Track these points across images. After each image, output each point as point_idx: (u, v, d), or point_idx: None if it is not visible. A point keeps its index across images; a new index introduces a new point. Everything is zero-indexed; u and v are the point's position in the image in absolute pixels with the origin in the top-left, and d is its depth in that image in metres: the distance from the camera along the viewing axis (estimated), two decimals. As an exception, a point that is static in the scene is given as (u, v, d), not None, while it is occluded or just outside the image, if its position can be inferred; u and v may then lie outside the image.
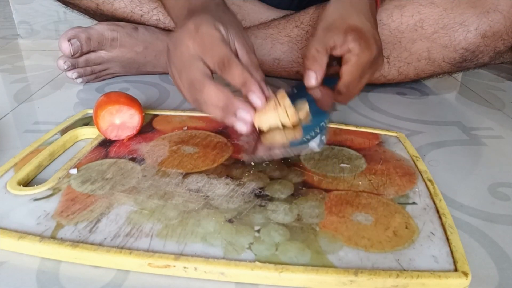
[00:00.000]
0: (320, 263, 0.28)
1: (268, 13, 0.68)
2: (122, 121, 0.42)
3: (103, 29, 0.59)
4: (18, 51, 0.84)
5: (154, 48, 0.63)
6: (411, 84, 0.66)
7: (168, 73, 0.66)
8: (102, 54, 0.60)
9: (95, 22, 0.67)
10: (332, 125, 0.48)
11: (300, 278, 0.27)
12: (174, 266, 0.27)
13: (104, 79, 0.65)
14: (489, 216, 0.35)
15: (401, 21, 0.55)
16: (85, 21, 0.69)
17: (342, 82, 0.37)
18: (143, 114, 0.43)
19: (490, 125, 0.53)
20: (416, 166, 0.40)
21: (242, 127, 0.33)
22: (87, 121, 0.47)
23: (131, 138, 0.43)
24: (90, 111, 0.49)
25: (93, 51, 0.59)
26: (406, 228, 0.31)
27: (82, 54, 0.58)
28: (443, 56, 0.56)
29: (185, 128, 0.46)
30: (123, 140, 0.43)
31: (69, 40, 0.55)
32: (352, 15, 0.40)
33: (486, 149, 0.47)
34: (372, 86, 0.64)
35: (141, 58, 0.63)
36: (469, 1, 0.52)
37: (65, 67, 0.57)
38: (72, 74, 0.59)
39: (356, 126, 0.48)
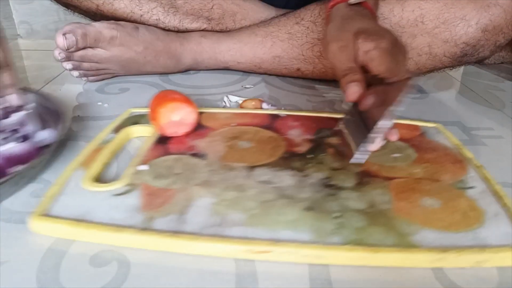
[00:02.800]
0: (406, 244, 0.30)
1: (267, 12, 0.69)
2: (180, 118, 0.43)
3: (102, 27, 0.59)
4: (18, 51, 0.83)
5: (154, 48, 0.63)
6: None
7: (168, 73, 0.68)
8: (100, 52, 0.60)
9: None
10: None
11: (393, 258, 0.29)
12: (273, 252, 0.29)
13: (104, 78, 0.65)
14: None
15: (402, 16, 0.57)
16: (85, 20, 0.69)
17: (382, 74, 0.37)
18: (198, 111, 0.45)
19: (490, 125, 0.54)
20: (462, 154, 0.43)
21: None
22: (135, 120, 0.48)
23: (186, 135, 0.44)
24: (135, 110, 0.50)
25: (90, 47, 0.59)
26: (473, 210, 0.34)
27: (78, 49, 0.58)
28: (444, 51, 0.57)
29: (234, 124, 0.47)
30: (180, 136, 0.44)
31: (64, 35, 0.55)
32: (351, 23, 0.42)
33: (486, 149, 0.48)
34: None
35: (141, 58, 0.63)
36: None
37: (59, 58, 0.57)
38: (67, 65, 0.59)
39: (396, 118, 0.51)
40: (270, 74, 0.68)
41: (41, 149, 0.40)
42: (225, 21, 0.68)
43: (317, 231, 0.31)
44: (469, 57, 0.57)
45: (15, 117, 0.43)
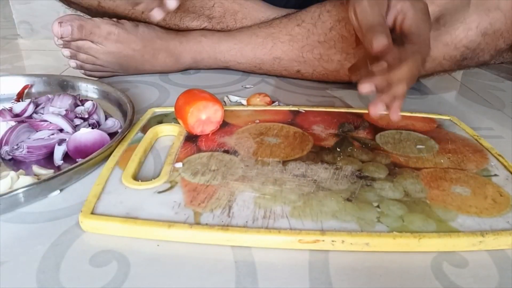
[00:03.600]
0: (447, 229, 0.31)
1: (269, 12, 0.70)
2: (207, 116, 0.44)
3: (101, 21, 0.60)
4: (18, 51, 0.83)
5: (152, 46, 0.64)
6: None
7: (167, 72, 0.69)
8: (97, 46, 0.60)
9: None
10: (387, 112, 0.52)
11: (436, 243, 0.30)
12: (323, 241, 0.30)
13: (102, 76, 0.65)
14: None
15: None
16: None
17: (415, 34, 0.37)
18: (224, 109, 0.45)
19: (490, 125, 0.54)
20: (481, 144, 0.44)
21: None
22: (160, 119, 0.48)
23: (213, 133, 0.45)
24: (158, 110, 0.51)
25: (87, 40, 0.59)
26: (501, 196, 0.36)
27: (74, 40, 0.59)
28: (443, 54, 0.57)
29: (257, 121, 0.48)
30: (207, 134, 0.44)
31: (60, 23, 0.57)
32: None
33: None
34: None
35: (139, 56, 0.63)
36: (469, 0, 0.54)
37: (57, 43, 0.59)
38: (65, 51, 0.60)
39: (410, 112, 0.52)
40: (270, 75, 0.69)
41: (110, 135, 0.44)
42: (226, 20, 0.68)
43: (361, 220, 0.32)
44: (469, 61, 0.58)
45: (86, 105, 0.46)
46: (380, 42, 0.37)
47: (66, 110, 0.46)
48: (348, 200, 0.34)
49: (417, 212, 0.33)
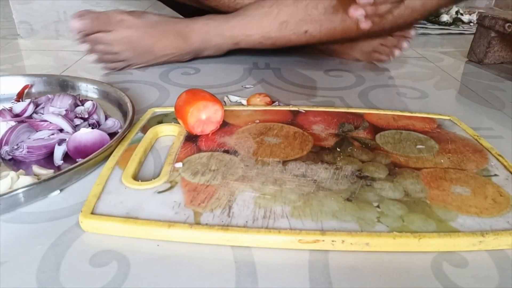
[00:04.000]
0: (447, 229, 0.31)
1: None
2: (207, 116, 0.44)
3: (112, 12, 0.64)
4: (18, 51, 0.83)
5: (162, 27, 0.67)
6: (411, 84, 0.69)
7: (179, 60, 0.72)
8: (111, 34, 0.64)
9: None
10: (388, 112, 0.52)
11: (436, 243, 0.30)
12: (323, 241, 0.30)
13: (121, 67, 0.68)
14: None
15: None
16: None
17: None
18: (224, 109, 0.45)
19: (490, 125, 0.54)
20: (481, 144, 0.44)
21: None
22: (160, 119, 0.48)
23: (213, 133, 0.45)
24: (158, 110, 0.51)
25: (103, 31, 0.63)
26: (501, 196, 0.36)
27: (91, 33, 0.62)
28: None
29: (257, 121, 0.48)
30: (207, 134, 0.44)
31: (78, 17, 0.60)
32: None
33: None
34: (375, 82, 0.68)
35: (150, 38, 0.66)
36: None
37: (76, 37, 0.62)
38: (84, 46, 0.64)
39: (410, 112, 0.52)
40: (279, 48, 0.69)
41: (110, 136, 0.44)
42: None
43: (361, 220, 0.32)
44: None
45: (86, 105, 0.46)
46: None
47: (66, 110, 0.46)
48: (348, 200, 0.34)
49: (417, 212, 0.33)
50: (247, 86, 0.64)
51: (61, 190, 0.36)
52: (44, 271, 0.28)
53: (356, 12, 0.39)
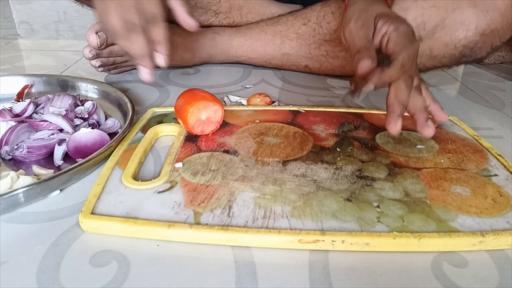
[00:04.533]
0: (447, 229, 0.31)
1: (272, 6, 0.73)
2: (207, 116, 0.44)
3: None
4: (18, 51, 0.83)
5: (172, 42, 0.64)
6: None
7: (184, 66, 0.71)
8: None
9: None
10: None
11: (436, 243, 0.30)
12: (323, 241, 0.30)
13: (124, 71, 0.67)
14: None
15: None
16: (85, 20, 0.67)
17: (397, 53, 0.39)
18: (224, 109, 0.45)
19: (490, 125, 0.54)
20: (481, 144, 0.44)
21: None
22: (159, 119, 0.48)
23: (213, 133, 0.45)
24: (158, 110, 0.51)
25: (115, 43, 0.61)
26: (501, 195, 0.36)
27: (107, 46, 0.61)
28: (443, 53, 0.60)
29: (257, 121, 0.48)
30: (207, 134, 0.44)
31: (96, 33, 0.58)
32: (373, 6, 0.44)
33: None
34: None
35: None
36: (469, 1, 0.57)
37: (90, 55, 0.60)
38: (96, 62, 0.62)
39: (410, 112, 0.52)
40: (279, 69, 0.71)
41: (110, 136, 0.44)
42: (232, 15, 0.71)
43: (361, 220, 0.32)
44: (466, 58, 0.61)
45: (86, 105, 0.47)
46: (364, 65, 0.38)
47: (66, 110, 0.46)
48: (348, 200, 0.34)
49: (417, 212, 0.33)
50: (247, 86, 0.64)
51: (61, 190, 0.37)
52: (44, 271, 0.28)
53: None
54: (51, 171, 0.39)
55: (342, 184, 0.36)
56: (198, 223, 0.31)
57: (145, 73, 0.43)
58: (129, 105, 0.47)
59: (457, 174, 0.39)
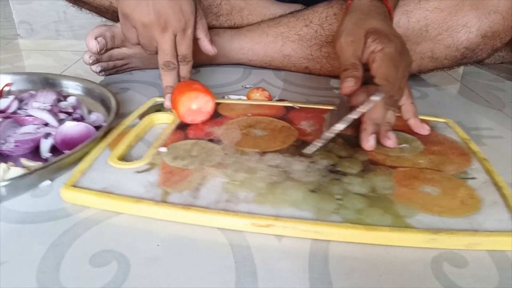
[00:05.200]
0: (402, 225, 0.32)
1: (273, 7, 0.73)
2: (198, 106, 0.46)
3: None
4: (18, 51, 0.84)
5: None
6: (411, 84, 0.68)
7: None
8: (124, 50, 0.65)
9: (96, 19, 0.71)
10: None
11: (386, 236, 0.31)
12: (275, 226, 0.31)
13: (123, 72, 0.69)
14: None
15: (408, 26, 0.60)
16: (85, 20, 0.67)
17: (378, 76, 0.40)
18: (215, 101, 0.48)
19: (490, 125, 0.54)
20: (469, 147, 0.44)
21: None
22: (158, 108, 0.51)
23: (204, 122, 0.47)
24: (160, 99, 0.54)
25: (116, 47, 0.63)
26: (471, 198, 0.35)
27: (107, 50, 0.62)
28: (445, 55, 0.61)
29: (249, 114, 0.50)
30: (198, 124, 0.47)
31: (96, 38, 0.59)
32: (367, 20, 0.44)
33: (486, 149, 0.47)
34: None
35: None
36: (471, 4, 0.57)
37: (90, 61, 0.61)
38: (96, 68, 0.63)
39: (406, 113, 0.52)
40: (279, 70, 0.72)
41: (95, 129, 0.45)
42: (233, 17, 0.72)
43: (319, 210, 0.33)
44: (467, 60, 0.61)
45: (70, 100, 0.49)
46: (347, 86, 0.40)
47: (50, 105, 0.47)
48: (313, 191, 0.35)
49: (377, 207, 0.34)
50: (247, 86, 0.66)
51: (51, 180, 0.38)
52: (44, 271, 0.28)
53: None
54: (40, 163, 0.40)
55: (312, 176, 0.38)
56: (164, 201, 0.33)
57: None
58: (112, 99, 0.49)
59: (432, 174, 0.38)
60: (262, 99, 0.56)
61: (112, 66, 0.65)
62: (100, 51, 0.60)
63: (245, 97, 0.58)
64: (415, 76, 0.70)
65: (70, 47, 0.87)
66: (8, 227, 0.33)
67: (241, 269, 0.29)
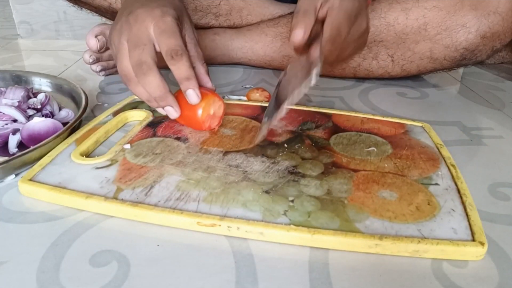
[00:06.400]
0: (348, 229, 0.31)
1: (272, 7, 0.72)
2: (214, 111, 0.45)
3: None
4: (18, 51, 0.84)
5: None
6: (411, 84, 0.67)
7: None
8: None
9: (96, 19, 0.71)
10: (359, 115, 0.51)
11: (330, 240, 0.30)
12: (220, 225, 0.31)
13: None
14: (489, 216, 0.35)
15: (406, 24, 0.59)
16: (85, 20, 0.67)
17: (325, 36, 0.38)
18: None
19: (490, 125, 0.53)
20: (440, 153, 0.43)
21: (171, 114, 0.43)
22: (135, 105, 0.52)
23: (173, 121, 0.47)
24: (137, 97, 0.54)
25: None
26: (429, 204, 0.34)
27: (107, 49, 0.62)
28: (444, 55, 0.60)
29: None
30: (213, 129, 0.46)
31: (96, 37, 0.59)
32: None
33: (486, 149, 0.47)
34: (375, 82, 0.67)
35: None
36: (471, 4, 0.56)
37: (91, 60, 0.62)
38: (97, 67, 0.63)
39: (383, 116, 0.51)
40: (279, 70, 0.71)
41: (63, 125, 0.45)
42: (233, 17, 0.72)
43: (268, 211, 0.33)
44: (467, 61, 0.60)
45: (39, 97, 0.49)
46: (295, 36, 0.38)
47: (18, 102, 0.48)
48: (267, 192, 0.35)
49: (327, 210, 0.33)
50: (247, 86, 0.66)
51: (16, 175, 0.39)
52: (44, 271, 0.28)
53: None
54: (6, 158, 0.39)
55: (269, 177, 0.37)
56: (115, 198, 0.34)
57: (172, 111, 0.43)
58: (82, 95, 0.50)
59: (393, 179, 0.38)
60: (262, 99, 0.56)
61: (113, 65, 0.66)
62: (100, 49, 0.60)
63: (245, 97, 0.58)
64: (415, 76, 0.69)
65: (70, 47, 0.88)
66: (8, 227, 0.33)
67: (241, 269, 0.29)
